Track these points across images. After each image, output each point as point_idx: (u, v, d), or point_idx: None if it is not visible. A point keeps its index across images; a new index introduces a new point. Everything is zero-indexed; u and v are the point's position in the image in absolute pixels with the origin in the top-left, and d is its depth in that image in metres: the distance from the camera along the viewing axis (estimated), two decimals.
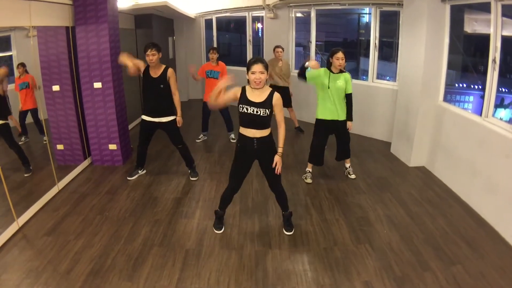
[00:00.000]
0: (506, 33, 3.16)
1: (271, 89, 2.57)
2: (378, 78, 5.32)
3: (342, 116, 3.63)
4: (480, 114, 3.33)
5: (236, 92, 2.56)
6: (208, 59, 5.00)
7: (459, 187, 3.59)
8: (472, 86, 4.53)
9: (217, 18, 7.75)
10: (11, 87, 3.76)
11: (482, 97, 3.45)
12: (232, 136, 5.19)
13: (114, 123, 4.10)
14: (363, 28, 6.87)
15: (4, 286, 2.27)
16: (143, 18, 6.18)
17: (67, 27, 3.78)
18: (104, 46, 3.88)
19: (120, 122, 4.19)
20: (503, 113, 3.86)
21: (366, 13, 6.61)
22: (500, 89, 3.78)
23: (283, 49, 5.21)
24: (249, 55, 7.25)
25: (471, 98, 4.57)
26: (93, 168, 4.18)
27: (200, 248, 2.71)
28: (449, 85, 4.23)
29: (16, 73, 3.76)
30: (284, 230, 2.92)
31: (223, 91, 2.58)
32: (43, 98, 3.90)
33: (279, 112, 2.58)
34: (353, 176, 3.95)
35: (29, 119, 3.98)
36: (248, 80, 2.51)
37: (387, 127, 5.09)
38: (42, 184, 3.52)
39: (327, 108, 3.60)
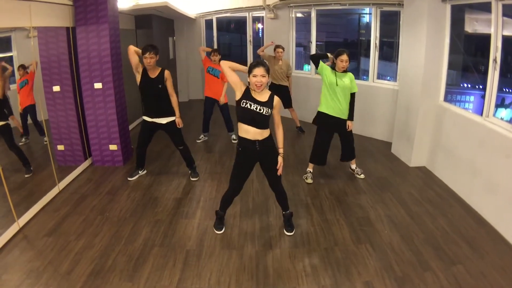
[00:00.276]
0: (506, 32, 3.15)
1: (270, 91, 2.62)
2: (378, 78, 5.32)
3: (345, 115, 3.65)
4: (481, 114, 3.32)
5: (241, 85, 2.57)
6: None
7: (459, 187, 3.59)
8: (473, 86, 4.53)
9: (217, 18, 7.75)
10: (13, 87, 3.75)
11: (483, 97, 3.45)
12: (233, 136, 5.19)
13: (114, 123, 4.10)
14: (364, 28, 6.87)
15: (5, 286, 2.27)
16: (143, 19, 6.18)
17: (67, 28, 3.79)
18: (105, 46, 3.88)
19: (121, 122, 4.19)
20: (503, 113, 3.86)
21: (366, 13, 6.61)
22: (504, 89, 3.79)
23: (283, 49, 5.22)
24: (250, 56, 7.25)
25: (472, 98, 4.56)
26: (93, 169, 4.18)
27: (201, 248, 2.71)
28: (449, 85, 4.22)
29: (17, 75, 3.76)
30: (284, 230, 2.92)
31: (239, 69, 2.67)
32: (44, 99, 3.91)
33: (278, 113, 2.63)
34: (362, 176, 3.95)
35: (29, 119, 3.98)
36: (249, 82, 2.54)
37: (387, 127, 5.09)
38: (42, 185, 3.52)
39: (331, 105, 3.62)
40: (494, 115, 3.27)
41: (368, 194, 3.61)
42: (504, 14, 3.10)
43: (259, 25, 7.36)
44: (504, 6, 3.09)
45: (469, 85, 4.56)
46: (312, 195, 3.57)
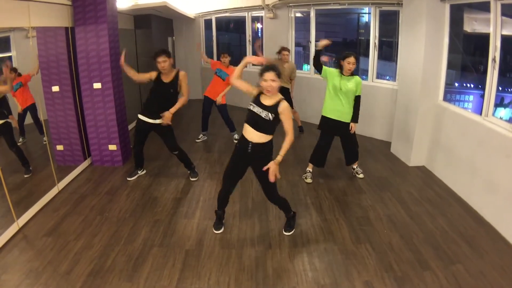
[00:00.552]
0: (505, 32, 3.16)
1: (281, 97, 2.55)
2: (377, 77, 5.32)
3: (347, 118, 3.65)
4: (480, 114, 3.33)
5: (254, 89, 2.61)
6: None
7: (459, 187, 3.59)
8: (472, 86, 4.53)
9: (216, 18, 7.75)
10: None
11: (482, 96, 3.45)
12: (236, 136, 5.18)
13: (113, 123, 4.09)
14: (363, 28, 6.87)
15: (4, 286, 2.27)
16: (142, 19, 6.17)
17: (66, 28, 3.78)
18: (104, 46, 3.88)
19: (120, 122, 4.19)
20: (503, 112, 3.86)
21: (365, 13, 6.61)
22: (507, 89, 3.79)
23: (289, 51, 5.19)
24: (249, 55, 7.24)
25: (471, 98, 4.57)
26: (93, 169, 4.17)
27: (200, 248, 2.71)
28: (449, 84, 4.23)
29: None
30: (283, 230, 2.92)
31: (245, 65, 2.73)
32: (43, 99, 3.90)
33: (286, 120, 2.53)
34: (361, 176, 3.96)
35: (28, 119, 3.98)
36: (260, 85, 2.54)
37: (387, 127, 5.09)
38: (42, 185, 3.51)
39: (334, 108, 3.62)
40: (493, 114, 3.27)
41: (368, 193, 3.61)
42: (503, 14, 3.10)
43: (258, 25, 7.35)
44: (503, 5, 3.09)
45: (469, 85, 4.56)
46: (312, 195, 3.57)
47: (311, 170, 3.91)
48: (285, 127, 2.55)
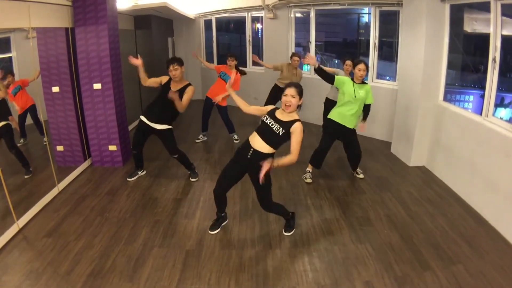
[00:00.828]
0: (506, 32, 3.16)
1: (298, 118, 2.52)
2: (378, 78, 5.32)
3: (351, 124, 3.65)
4: (480, 114, 3.33)
5: (266, 108, 2.68)
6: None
7: (459, 187, 3.59)
8: (473, 86, 4.53)
9: (216, 18, 7.75)
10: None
11: (482, 96, 3.45)
12: (235, 136, 5.18)
13: (114, 124, 4.09)
14: (363, 28, 6.87)
15: (4, 287, 2.27)
16: (142, 19, 6.17)
17: (66, 28, 3.78)
18: (104, 47, 3.88)
19: (120, 123, 4.19)
20: (503, 112, 3.86)
21: (365, 13, 6.61)
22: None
23: (299, 57, 5.15)
24: (249, 56, 7.24)
25: (471, 98, 4.57)
26: (93, 169, 4.18)
27: (201, 248, 2.71)
28: (449, 84, 4.22)
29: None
30: (283, 230, 2.92)
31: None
32: (43, 100, 3.90)
33: (295, 140, 2.46)
34: (361, 176, 3.97)
35: (28, 120, 3.98)
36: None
37: (387, 127, 5.09)
38: (42, 186, 3.52)
39: (343, 113, 3.62)
40: (493, 114, 3.27)
41: (368, 193, 3.61)
42: (503, 14, 3.11)
43: (258, 25, 7.35)
44: (503, 5, 3.09)
45: (468, 85, 4.56)
46: (312, 195, 3.57)
47: (310, 170, 3.91)
48: (292, 146, 2.47)
